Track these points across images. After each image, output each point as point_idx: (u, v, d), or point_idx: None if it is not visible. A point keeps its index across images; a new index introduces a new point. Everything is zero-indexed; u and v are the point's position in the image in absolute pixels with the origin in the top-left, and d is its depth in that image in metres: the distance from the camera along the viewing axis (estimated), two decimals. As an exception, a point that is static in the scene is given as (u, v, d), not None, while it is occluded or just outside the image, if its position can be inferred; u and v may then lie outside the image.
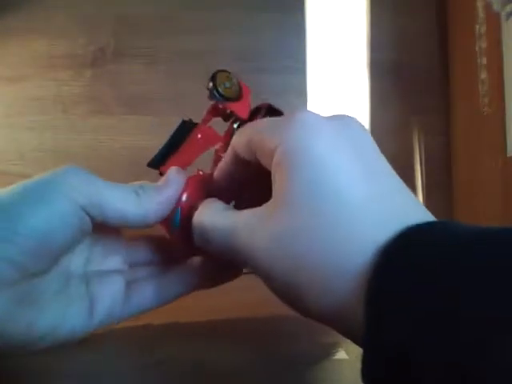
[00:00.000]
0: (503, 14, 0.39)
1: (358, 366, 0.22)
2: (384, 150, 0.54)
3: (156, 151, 0.28)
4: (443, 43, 0.50)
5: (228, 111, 0.28)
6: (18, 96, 0.48)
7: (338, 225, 0.18)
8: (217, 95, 0.27)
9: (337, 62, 0.50)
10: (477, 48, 0.43)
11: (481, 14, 0.43)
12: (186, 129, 0.28)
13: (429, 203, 0.49)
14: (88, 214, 0.23)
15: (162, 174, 0.27)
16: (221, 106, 0.27)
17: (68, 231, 0.23)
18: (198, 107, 0.50)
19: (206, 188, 0.27)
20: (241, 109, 0.27)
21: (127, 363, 0.24)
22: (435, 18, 0.50)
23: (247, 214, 0.22)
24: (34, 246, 0.21)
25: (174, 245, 0.27)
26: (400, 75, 0.50)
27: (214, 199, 0.25)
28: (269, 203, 0.20)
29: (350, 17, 0.50)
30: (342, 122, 0.21)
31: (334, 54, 0.50)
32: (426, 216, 0.19)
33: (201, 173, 0.28)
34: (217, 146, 0.29)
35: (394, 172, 0.20)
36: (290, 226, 0.19)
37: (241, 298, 0.36)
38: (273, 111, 0.28)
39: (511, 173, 0.40)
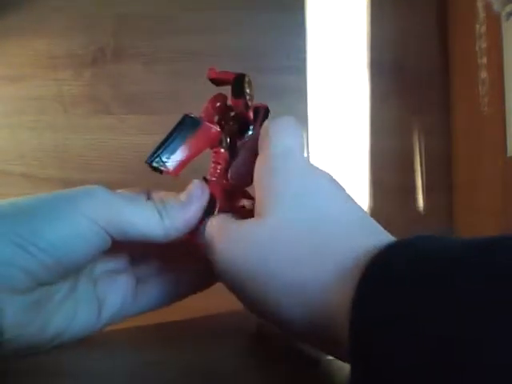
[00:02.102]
0: (503, 13, 0.39)
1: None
2: (384, 150, 0.54)
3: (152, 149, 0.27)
4: (443, 43, 0.50)
5: (232, 114, 0.28)
6: (18, 96, 0.48)
7: (316, 238, 0.19)
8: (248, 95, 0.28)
9: (337, 62, 0.50)
10: (477, 48, 0.43)
11: (481, 13, 0.43)
12: (189, 124, 0.28)
13: (429, 203, 0.49)
14: (109, 233, 0.23)
15: (171, 174, 0.26)
16: (250, 104, 0.28)
17: (87, 250, 0.23)
18: (198, 107, 0.51)
19: (227, 194, 0.27)
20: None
21: (127, 363, 0.24)
22: (435, 18, 0.50)
23: (233, 224, 0.23)
24: (51, 261, 0.22)
25: (199, 253, 0.27)
26: (400, 75, 0.50)
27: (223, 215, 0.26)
28: (256, 217, 0.22)
29: (350, 17, 0.50)
30: (326, 174, 0.23)
31: (334, 54, 0.50)
32: (388, 237, 0.20)
33: (213, 178, 0.28)
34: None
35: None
36: (269, 235, 0.20)
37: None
38: (267, 113, 0.30)
39: (511, 173, 0.40)
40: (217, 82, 0.29)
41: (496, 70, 0.41)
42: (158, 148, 0.27)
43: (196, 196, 0.26)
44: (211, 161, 0.29)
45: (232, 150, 0.28)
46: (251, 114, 0.28)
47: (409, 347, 0.14)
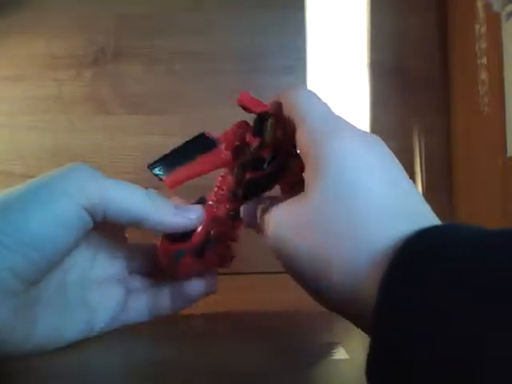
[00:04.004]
0: (503, 14, 0.39)
1: (358, 365, 0.22)
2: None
3: (160, 153, 0.27)
4: (443, 43, 0.50)
5: (248, 148, 0.27)
6: (18, 96, 0.48)
7: (359, 214, 0.19)
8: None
9: (337, 62, 0.50)
10: (477, 48, 0.43)
11: (481, 13, 0.43)
12: (203, 142, 0.27)
13: (429, 203, 0.49)
14: (91, 214, 0.23)
15: (167, 184, 0.26)
16: (267, 144, 0.26)
17: (71, 237, 0.23)
18: (197, 107, 0.50)
19: (216, 220, 0.27)
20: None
21: (130, 361, 0.24)
22: (435, 18, 0.50)
23: (282, 204, 0.23)
24: (37, 255, 0.21)
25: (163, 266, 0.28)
26: (400, 75, 0.50)
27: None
28: (302, 193, 0.22)
29: (351, 17, 0.50)
30: (370, 137, 0.23)
31: (334, 54, 0.50)
32: (435, 220, 0.20)
33: (210, 202, 0.27)
34: (222, 172, 0.28)
35: (408, 178, 0.22)
36: (318, 211, 0.20)
37: (240, 297, 0.36)
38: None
39: (511, 173, 0.40)
40: (245, 109, 0.27)
41: (496, 71, 0.41)
42: (165, 157, 0.26)
43: (189, 214, 0.26)
44: (215, 183, 0.28)
45: (239, 181, 0.27)
46: (267, 153, 0.26)
47: (419, 328, 0.14)
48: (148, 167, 0.26)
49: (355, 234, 0.19)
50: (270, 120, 0.25)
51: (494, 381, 0.13)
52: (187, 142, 0.27)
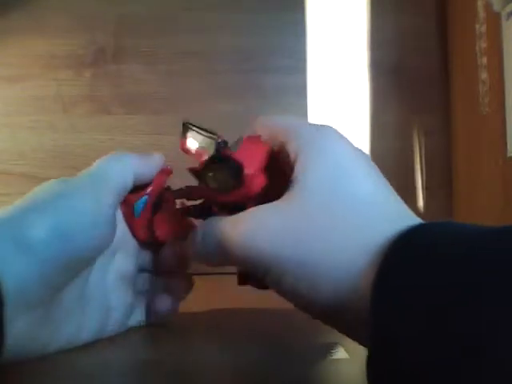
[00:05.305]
0: (503, 13, 0.39)
1: (358, 365, 0.22)
2: (384, 150, 0.54)
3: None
4: (443, 43, 0.50)
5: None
6: (18, 96, 0.48)
7: (351, 216, 0.19)
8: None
9: (337, 62, 0.50)
10: (477, 48, 0.43)
11: (481, 13, 0.43)
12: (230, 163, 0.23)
13: (429, 203, 0.49)
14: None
15: (180, 146, 0.26)
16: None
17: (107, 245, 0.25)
18: (197, 107, 0.50)
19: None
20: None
21: (128, 361, 0.24)
22: (435, 18, 0.50)
23: (256, 209, 0.21)
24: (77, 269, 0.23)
25: (131, 229, 0.28)
26: (400, 75, 0.50)
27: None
28: (284, 196, 0.21)
29: (350, 16, 0.50)
30: (357, 146, 0.23)
31: (333, 54, 0.50)
32: (419, 221, 0.20)
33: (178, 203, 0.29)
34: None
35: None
36: (306, 212, 0.20)
37: (239, 297, 0.36)
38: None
39: (511, 173, 0.40)
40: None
41: (496, 70, 0.41)
42: (199, 127, 0.26)
43: (151, 156, 0.29)
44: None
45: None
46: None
47: (414, 317, 0.15)
48: (183, 122, 0.26)
49: (349, 235, 0.19)
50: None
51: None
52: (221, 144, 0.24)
